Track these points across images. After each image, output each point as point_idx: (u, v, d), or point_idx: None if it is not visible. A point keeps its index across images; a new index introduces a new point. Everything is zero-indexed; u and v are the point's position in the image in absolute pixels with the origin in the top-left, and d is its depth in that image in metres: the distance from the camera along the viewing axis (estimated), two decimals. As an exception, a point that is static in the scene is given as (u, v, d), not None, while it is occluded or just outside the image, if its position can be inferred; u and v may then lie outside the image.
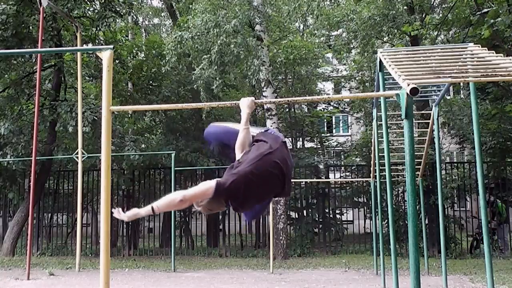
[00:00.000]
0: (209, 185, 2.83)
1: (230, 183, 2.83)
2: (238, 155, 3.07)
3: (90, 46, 12.05)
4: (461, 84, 11.66)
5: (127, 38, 15.71)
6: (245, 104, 3.09)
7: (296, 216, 13.83)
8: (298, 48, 14.68)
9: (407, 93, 2.65)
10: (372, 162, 9.33)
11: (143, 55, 15.06)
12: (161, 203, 2.85)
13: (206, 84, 11.79)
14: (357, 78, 18.15)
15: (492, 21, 8.70)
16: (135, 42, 15.28)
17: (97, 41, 12.46)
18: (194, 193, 2.84)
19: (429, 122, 8.03)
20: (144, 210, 2.86)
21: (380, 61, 4.67)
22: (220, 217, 14.87)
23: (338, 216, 14.02)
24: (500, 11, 8.93)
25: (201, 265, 10.76)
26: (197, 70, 11.57)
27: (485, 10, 9.35)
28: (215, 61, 11.29)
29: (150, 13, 21.13)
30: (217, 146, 3.37)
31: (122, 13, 12.01)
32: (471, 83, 4.86)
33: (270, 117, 12.20)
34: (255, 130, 3.29)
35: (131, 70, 14.19)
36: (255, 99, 3.18)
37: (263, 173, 2.94)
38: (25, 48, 10.46)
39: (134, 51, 14.81)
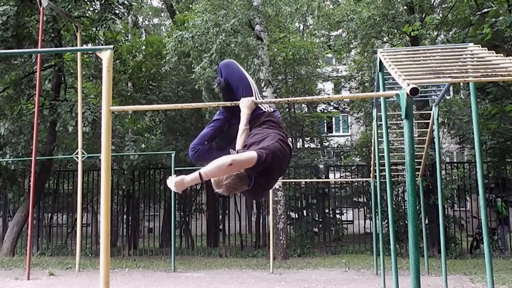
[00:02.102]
0: (252, 154, 2.76)
1: (266, 156, 2.79)
2: (239, 146, 3.07)
3: (90, 46, 12.05)
4: (461, 84, 11.66)
5: (127, 38, 15.72)
6: (245, 104, 3.09)
7: (296, 216, 13.83)
8: (298, 47, 14.69)
9: (407, 93, 2.65)
10: (372, 162, 9.33)
11: (141, 56, 15.04)
12: (210, 169, 2.71)
13: (207, 84, 11.79)
14: (357, 78, 18.14)
15: (493, 20, 8.70)
16: (134, 43, 15.25)
17: (97, 41, 12.46)
18: (241, 159, 2.75)
19: (429, 122, 8.03)
20: (191, 177, 2.73)
21: (380, 61, 4.67)
22: (220, 217, 14.88)
23: (338, 216, 14.03)
24: (500, 11, 8.94)
25: (201, 265, 10.76)
26: (197, 69, 11.58)
27: (485, 10, 9.35)
28: (215, 60, 11.29)
29: (150, 13, 21.13)
30: (225, 82, 3.21)
31: (121, 15, 12.02)
32: (471, 83, 4.85)
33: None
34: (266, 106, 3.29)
35: (131, 70, 14.19)
36: (255, 99, 3.18)
37: (285, 155, 2.98)
38: (25, 48, 10.45)
39: (133, 52, 14.80)
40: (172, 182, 2.78)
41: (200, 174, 2.72)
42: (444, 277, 7.10)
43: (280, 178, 11.96)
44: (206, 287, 7.84)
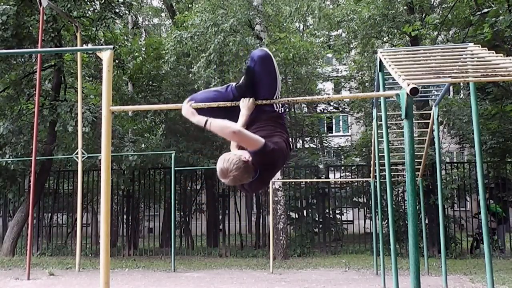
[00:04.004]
0: (260, 139, 2.84)
1: (273, 149, 2.87)
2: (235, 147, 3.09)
3: (90, 46, 12.05)
4: (461, 84, 11.65)
5: (127, 39, 15.70)
6: (245, 104, 3.06)
7: (296, 216, 13.83)
8: (298, 48, 14.70)
9: (407, 93, 2.65)
10: (372, 162, 9.33)
11: (141, 58, 15.02)
12: (216, 124, 2.84)
13: (206, 84, 11.78)
14: (357, 78, 18.15)
15: (493, 19, 8.70)
16: (133, 43, 15.22)
17: (97, 41, 12.45)
18: (247, 135, 2.82)
19: (429, 122, 8.04)
20: (198, 118, 2.88)
21: (380, 61, 4.67)
22: (220, 217, 14.89)
23: (338, 216, 14.02)
24: (500, 11, 8.94)
25: (201, 265, 10.76)
26: (195, 68, 11.57)
27: (485, 10, 9.35)
28: (214, 60, 11.28)
29: (150, 13, 21.14)
30: (252, 72, 3.06)
31: (121, 14, 12.03)
32: (471, 83, 4.86)
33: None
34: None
35: (130, 71, 14.16)
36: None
37: (286, 155, 3.05)
38: (25, 48, 10.45)
39: (133, 54, 14.76)
40: (186, 107, 2.96)
41: (206, 121, 2.85)
42: (444, 277, 7.10)
43: (280, 178, 11.97)
44: (206, 287, 7.84)
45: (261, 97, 3.08)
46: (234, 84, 3.20)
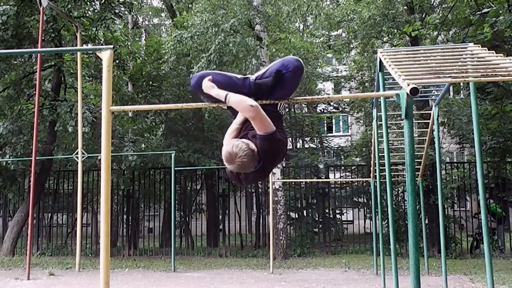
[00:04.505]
0: (271, 123, 2.85)
1: (279, 140, 2.91)
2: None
3: (90, 46, 12.05)
4: (461, 84, 11.66)
5: (126, 38, 15.70)
6: None
7: (296, 216, 13.83)
8: (298, 48, 14.69)
9: (407, 93, 2.65)
10: (372, 162, 9.33)
11: (141, 59, 15.01)
12: (235, 97, 2.86)
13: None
14: (357, 78, 18.16)
15: (493, 19, 8.70)
16: (134, 46, 15.23)
17: (97, 41, 12.46)
18: (263, 114, 2.82)
19: (429, 122, 8.04)
20: (218, 91, 2.89)
21: (380, 61, 4.67)
22: (220, 217, 14.89)
23: (338, 216, 14.03)
24: (500, 11, 8.94)
25: (201, 265, 10.76)
26: (195, 69, 11.58)
27: (485, 10, 9.35)
28: (214, 60, 11.28)
29: (150, 13, 21.14)
30: (282, 76, 3.00)
31: (121, 14, 12.02)
32: (471, 83, 4.86)
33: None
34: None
35: (131, 72, 14.15)
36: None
37: (286, 150, 3.11)
38: (25, 48, 10.45)
39: (133, 55, 14.76)
40: (206, 81, 2.95)
41: (226, 95, 2.86)
42: (444, 277, 7.10)
43: (280, 178, 11.94)
44: (206, 287, 7.84)
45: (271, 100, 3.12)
46: (252, 78, 3.11)
